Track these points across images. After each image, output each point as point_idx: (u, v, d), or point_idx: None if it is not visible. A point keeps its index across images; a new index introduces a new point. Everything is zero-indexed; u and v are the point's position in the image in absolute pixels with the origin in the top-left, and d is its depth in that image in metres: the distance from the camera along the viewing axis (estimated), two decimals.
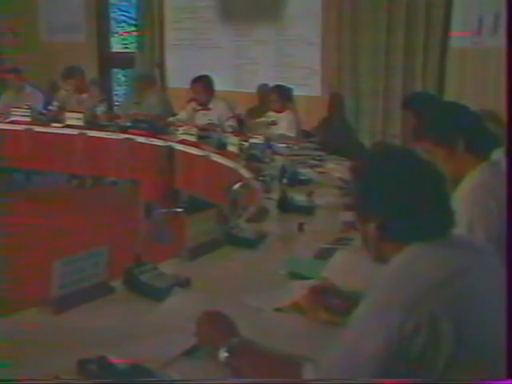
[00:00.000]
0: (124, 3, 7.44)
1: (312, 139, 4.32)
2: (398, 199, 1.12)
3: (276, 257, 1.96)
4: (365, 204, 1.18)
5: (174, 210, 2.65)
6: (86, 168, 4.73)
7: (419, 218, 1.11)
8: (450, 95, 4.02)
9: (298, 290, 1.61)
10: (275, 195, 2.59)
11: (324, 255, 1.94)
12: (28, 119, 4.80)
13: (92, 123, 4.64)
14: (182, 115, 4.85)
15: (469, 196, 1.65)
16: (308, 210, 2.43)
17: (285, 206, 2.46)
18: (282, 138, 4.11)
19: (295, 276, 1.76)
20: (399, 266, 1.10)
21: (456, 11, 4.01)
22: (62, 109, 5.10)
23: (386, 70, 4.34)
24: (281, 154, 3.61)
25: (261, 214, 2.36)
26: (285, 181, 2.74)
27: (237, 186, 2.40)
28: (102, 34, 6.23)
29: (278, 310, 1.55)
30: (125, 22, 8.02)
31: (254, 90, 5.09)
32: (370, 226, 1.15)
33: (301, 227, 2.22)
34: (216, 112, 4.71)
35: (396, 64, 4.29)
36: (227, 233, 2.03)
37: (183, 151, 4.13)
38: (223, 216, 2.10)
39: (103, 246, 1.60)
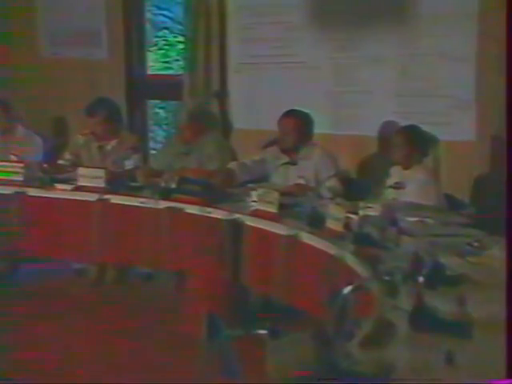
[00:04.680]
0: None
1: (463, 211, 4.31)
2: None
3: None
4: None
5: (249, 331, 2.69)
6: (106, 253, 4.91)
7: None
8: None
9: None
10: (406, 302, 2.60)
11: None
12: (19, 177, 5.06)
13: (117, 184, 4.89)
14: (250, 164, 5.09)
15: None
16: (460, 329, 2.41)
17: (422, 320, 2.44)
18: (412, 208, 4.13)
19: None
20: None
21: None
22: (74, 163, 5.42)
23: None
24: (412, 235, 3.62)
25: (383, 334, 2.37)
26: (421, 279, 2.74)
27: (346, 289, 2.43)
28: (133, 47, 6.59)
29: None
30: (166, 28, 8.51)
31: (368, 133, 5.23)
32: None
33: (450, 358, 2.20)
34: (310, 167, 4.87)
35: None
36: (331, 365, 2.05)
37: (257, 228, 4.24)
38: (324, 337, 2.13)
39: None
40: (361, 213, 3.81)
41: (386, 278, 2.89)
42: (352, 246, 3.49)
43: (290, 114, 4.96)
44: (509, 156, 1.53)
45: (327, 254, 3.65)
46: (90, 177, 4.89)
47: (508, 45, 1.46)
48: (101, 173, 4.88)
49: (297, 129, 4.91)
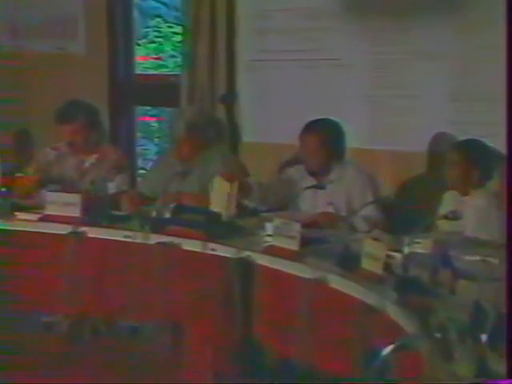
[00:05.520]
0: None
1: None
2: None
3: None
4: None
5: None
6: (82, 302, 4.88)
7: None
8: None
9: None
10: (464, 367, 2.59)
11: None
12: None
13: (96, 213, 4.88)
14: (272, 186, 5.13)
15: None
16: None
17: None
18: (472, 244, 4.12)
19: None
20: None
21: None
22: (41, 184, 5.42)
23: None
24: (472, 279, 3.61)
25: None
26: (483, 337, 2.72)
27: (386, 348, 2.43)
28: (117, 40, 6.68)
29: None
30: (159, 15, 8.56)
31: (416, 148, 5.22)
32: None
33: None
34: (342, 191, 4.89)
35: None
36: None
37: (273, 270, 4.24)
38: None
39: None
40: (406, 250, 3.79)
41: (439, 334, 2.88)
42: (394, 293, 3.48)
43: (316, 125, 4.97)
44: (509, 155, 1.39)
45: (362, 302, 3.64)
46: (62, 203, 4.91)
47: (508, 44, 1.56)
48: (75, 198, 4.89)
49: (324, 144, 4.92)
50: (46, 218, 4.94)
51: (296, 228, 4.20)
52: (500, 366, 2.54)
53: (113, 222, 4.85)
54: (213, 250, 4.44)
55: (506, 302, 1.08)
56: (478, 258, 3.92)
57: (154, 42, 8.46)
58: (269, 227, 4.36)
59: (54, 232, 4.88)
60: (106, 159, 5.51)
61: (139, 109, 7.17)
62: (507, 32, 1.82)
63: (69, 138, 5.53)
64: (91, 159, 5.55)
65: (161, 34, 8.46)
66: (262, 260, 4.29)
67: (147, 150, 8.13)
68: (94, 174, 5.41)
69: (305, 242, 4.19)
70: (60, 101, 5.70)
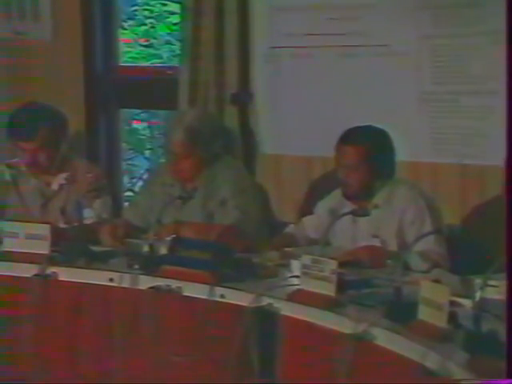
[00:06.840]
0: None
1: None
2: None
3: None
4: None
5: None
6: (53, 364, 4.90)
7: None
8: None
9: None
10: None
11: None
12: None
13: (70, 249, 4.92)
14: (306, 225, 5.18)
15: None
16: None
17: None
18: None
19: None
20: None
21: None
22: None
23: None
24: None
25: None
26: None
27: None
28: (96, 22, 6.71)
29: None
30: None
31: (489, 161, 5.20)
32: None
33: None
34: (391, 219, 4.92)
35: None
36: None
37: (301, 322, 4.24)
38: None
39: None
40: (477, 296, 3.78)
41: None
42: (463, 354, 3.45)
43: (357, 133, 4.98)
44: (508, 155, 1.97)
45: (419, 366, 3.59)
46: (25, 237, 4.93)
47: (508, 44, 1.61)
48: (43, 230, 4.92)
49: (367, 158, 4.92)
50: (3, 257, 4.96)
51: (331, 267, 4.18)
52: None
53: (91, 261, 4.87)
54: (222, 296, 4.46)
55: (506, 301, 1.12)
56: None
57: (143, 25, 8.51)
58: (295, 266, 4.38)
59: (15, 275, 4.91)
60: (80, 179, 5.52)
61: (124, 112, 7.18)
62: (507, 31, 1.87)
63: (29, 158, 5.54)
64: (60, 179, 5.58)
65: (152, 14, 8.51)
66: (287, 309, 4.30)
67: (135, 166, 8.15)
68: (64, 199, 5.43)
69: (343, 286, 4.19)
70: (16, 103, 5.72)
